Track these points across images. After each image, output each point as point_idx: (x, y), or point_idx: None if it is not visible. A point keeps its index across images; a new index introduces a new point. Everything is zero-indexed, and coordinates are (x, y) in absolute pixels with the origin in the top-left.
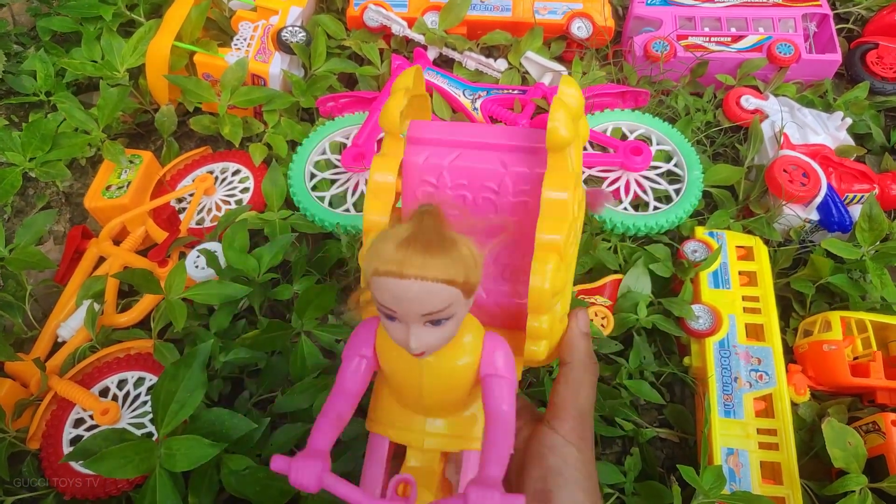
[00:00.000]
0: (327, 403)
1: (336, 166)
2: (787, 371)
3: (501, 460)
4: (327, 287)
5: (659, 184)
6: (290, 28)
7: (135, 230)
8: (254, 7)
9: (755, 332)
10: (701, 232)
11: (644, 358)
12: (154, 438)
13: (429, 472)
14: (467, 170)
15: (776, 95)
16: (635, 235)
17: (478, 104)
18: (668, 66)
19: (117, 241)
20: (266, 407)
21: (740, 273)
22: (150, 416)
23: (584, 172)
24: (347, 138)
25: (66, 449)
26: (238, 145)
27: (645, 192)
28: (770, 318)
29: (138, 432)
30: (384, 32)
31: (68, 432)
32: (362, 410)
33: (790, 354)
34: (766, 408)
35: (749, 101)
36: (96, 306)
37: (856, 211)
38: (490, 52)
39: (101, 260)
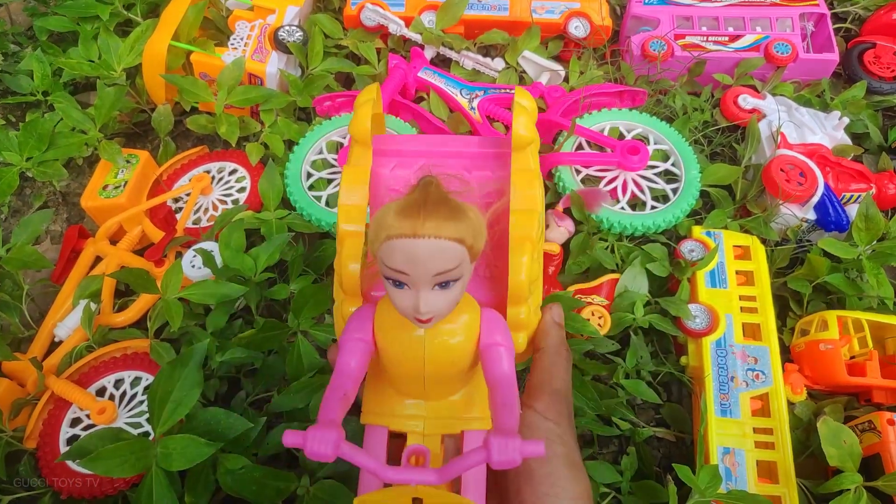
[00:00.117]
0: (331, 385)
1: (333, 166)
2: (783, 370)
3: (514, 414)
4: (324, 287)
5: (656, 183)
6: (286, 27)
7: (131, 230)
8: (251, 6)
9: (752, 331)
10: (698, 231)
11: (641, 357)
12: (150, 438)
13: (431, 456)
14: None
15: (774, 95)
16: (632, 235)
17: (475, 104)
18: (666, 65)
19: (114, 241)
20: (262, 406)
21: (737, 272)
22: (147, 415)
23: (581, 172)
24: (344, 138)
25: (63, 448)
26: (235, 145)
27: (642, 191)
28: (767, 317)
29: (135, 432)
30: (381, 32)
31: (65, 432)
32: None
33: (787, 354)
34: (763, 407)
35: (746, 101)
36: (93, 306)
37: (853, 210)
38: (487, 51)
39: (98, 259)
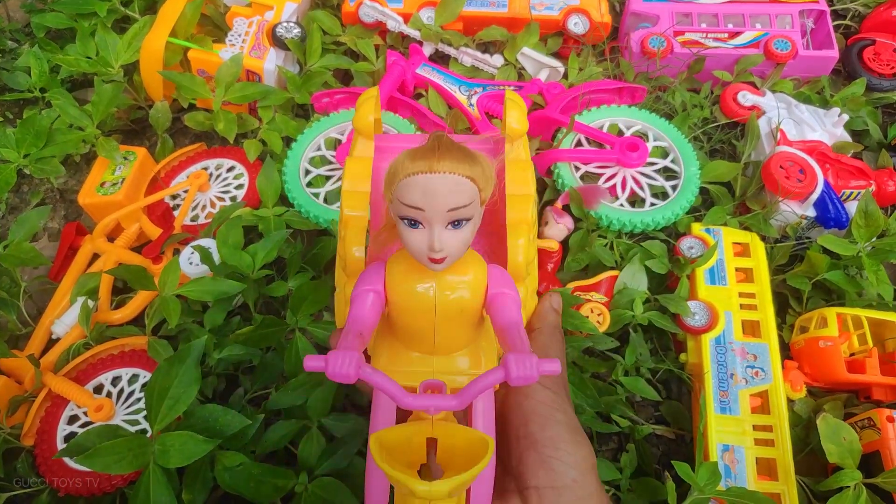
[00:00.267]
0: (346, 328)
1: (331, 162)
2: (783, 367)
3: (527, 346)
4: (322, 283)
5: (655, 180)
6: (285, 24)
7: (129, 227)
8: (249, 3)
9: (751, 328)
10: (697, 228)
11: (640, 354)
12: (148, 435)
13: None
14: None
15: (773, 92)
16: (632, 232)
17: (474, 100)
18: (665, 62)
19: (111, 238)
20: (260, 403)
21: (737, 269)
22: (145, 412)
23: (580, 168)
24: (342, 134)
25: (61, 445)
26: (233, 141)
27: (641, 188)
28: (766, 314)
29: (132, 429)
30: (380, 28)
31: (62, 429)
32: (358, 407)
33: (786, 351)
34: (762, 404)
35: (746, 98)
36: (90, 303)
37: (852, 207)
38: (486, 48)
39: (96, 257)
